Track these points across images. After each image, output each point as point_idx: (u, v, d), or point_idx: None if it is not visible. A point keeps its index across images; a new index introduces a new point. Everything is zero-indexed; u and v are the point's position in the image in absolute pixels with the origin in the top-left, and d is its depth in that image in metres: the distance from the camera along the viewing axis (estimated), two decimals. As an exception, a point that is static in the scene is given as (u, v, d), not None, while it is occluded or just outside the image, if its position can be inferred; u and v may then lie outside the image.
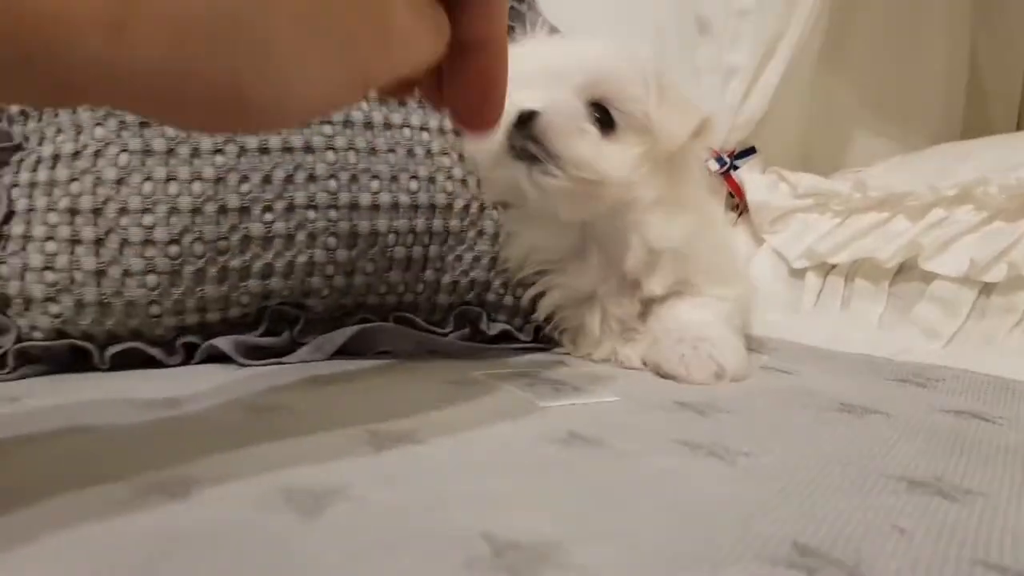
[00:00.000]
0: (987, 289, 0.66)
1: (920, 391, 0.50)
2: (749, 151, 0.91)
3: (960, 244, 0.69)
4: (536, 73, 0.52)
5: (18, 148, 0.52)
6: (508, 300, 0.63)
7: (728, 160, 0.90)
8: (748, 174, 0.91)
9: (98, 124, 0.52)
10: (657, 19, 0.96)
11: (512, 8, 0.78)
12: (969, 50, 1.24)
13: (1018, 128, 1.27)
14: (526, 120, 0.50)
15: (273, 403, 0.43)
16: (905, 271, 0.73)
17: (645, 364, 0.55)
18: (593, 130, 0.52)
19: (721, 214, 0.75)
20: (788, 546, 0.24)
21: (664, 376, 0.52)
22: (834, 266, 0.80)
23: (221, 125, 0.27)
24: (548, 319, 0.62)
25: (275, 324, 0.57)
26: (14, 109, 0.53)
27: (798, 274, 0.84)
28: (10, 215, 0.51)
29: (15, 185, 0.51)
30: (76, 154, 0.51)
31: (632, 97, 0.54)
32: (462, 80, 0.31)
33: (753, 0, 0.86)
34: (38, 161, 0.52)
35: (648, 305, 0.58)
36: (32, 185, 0.51)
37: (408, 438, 0.36)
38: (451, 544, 0.24)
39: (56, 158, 0.51)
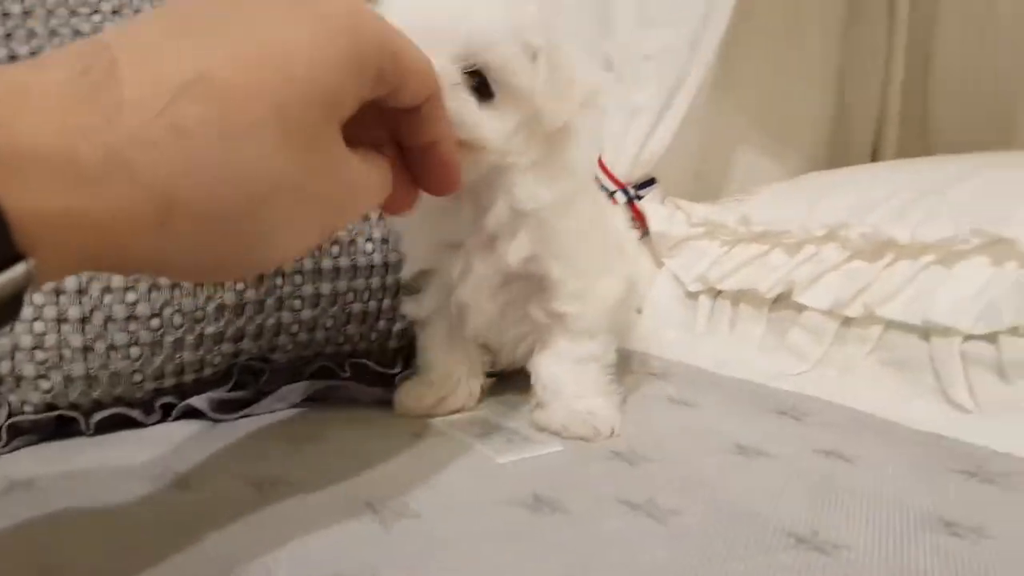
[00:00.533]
0: (847, 321, 0.79)
1: (796, 425, 0.62)
2: (650, 182, 1.01)
3: (826, 280, 0.82)
4: (415, 31, 0.43)
5: None
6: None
7: (632, 191, 1.00)
8: (649, 204, 1.01)
9: (76, 207, 0.55)
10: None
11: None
12: (836, 70, 1.40)
13: (876, 140, 1.44)
14: None
15: (269, 475, 0.49)
16: (781, 300, 0.86)
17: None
18: (471, 99, 0.50)
19: (603, 198, 0.76)
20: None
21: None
22: (721, 291, 0.93)
23: (224, 279, 0.36)
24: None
25: (242, 377, 0.63)
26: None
27: (693, 296, 0.96)
28: (-7, 295, 0.54)
29: (-5, 265, 0.54)
30: (56, 236, 0.55)
31: (513, 71, 0.51)
32: (429, 173, 0.41)
33: (656, 46, 0.95)
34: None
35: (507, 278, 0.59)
36: (13, 266, 0.54)
37: (406, 511, 0.43)
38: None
39: (35, 239, 0.55)
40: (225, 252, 0.31)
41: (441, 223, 0.57)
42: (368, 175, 0.36)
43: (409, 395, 0.62)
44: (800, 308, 0.83)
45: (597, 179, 0.98)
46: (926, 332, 0.72)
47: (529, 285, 0.59)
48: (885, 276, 0.78)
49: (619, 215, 0.79)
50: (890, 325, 0.75)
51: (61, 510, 0.43)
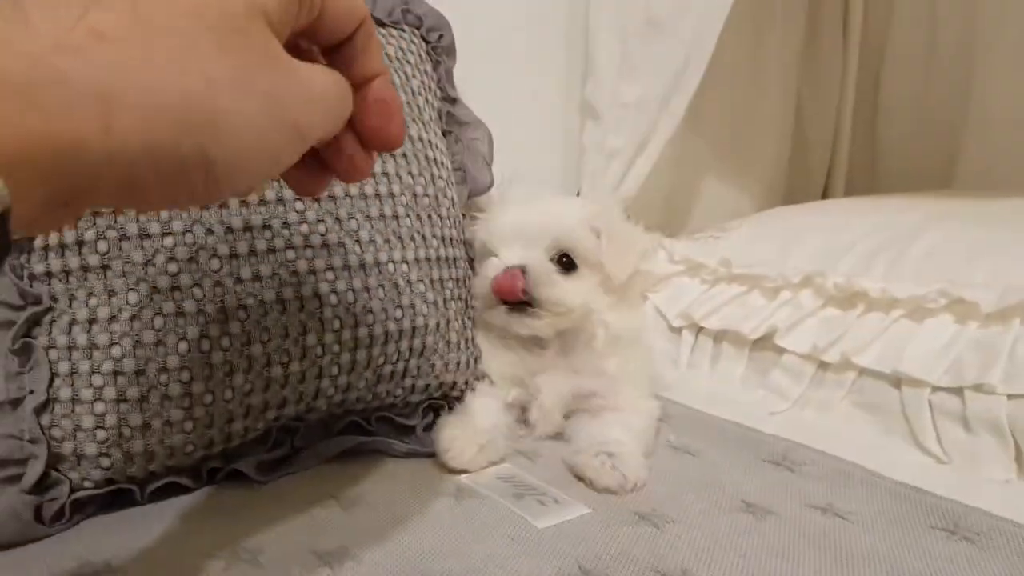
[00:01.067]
0: (823, 365, 0.87)
1: (792, 477, 0.68)
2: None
3: (805, 325, 0.89)
4: (515, 234, 0.75)
5: (48, 310, 0.57)
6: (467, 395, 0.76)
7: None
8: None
9: (131, 289, 0.57)
10: (549, 101, 1.10)
11: (448, 113, 0.88)
12: (794, 102, 1.48)
13: (831, 164, 1.53)
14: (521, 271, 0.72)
15: (333, 548, 0.53)
16: (761, 341, 0.93)
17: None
18: (559, 277, 0.73)
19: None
20: None
21: (579, 478, 0.66)
22: (703, 327, 0.99)
23: (196, 196, 0.32)
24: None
25: (279, 436, 0.66)
26: (38, 268, 0.57)
27: (676, 330, 1.02)
28: (52, 378, 0.56)
29: (51, 347, 0.56)
30: (112, 318, 0.57)
31: (586, 248, 0.74)
32: (367, 111, 0.39)
33: (634, 96, 1.01)
34: (72, 323, 0.57)
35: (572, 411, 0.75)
36: (71, 348, 0.56)
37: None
38: None
39: (92, 321, 0.57)
40: (181, 156, 0.30)
41: (527, 359, 0.76)
42: (324, 76, 0.36)
43: (454, 445, 0.67)
44: (780, 350, 0.91)
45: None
46: (897, 381, 0.80)
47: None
48: (859, 325, 0.85)
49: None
50: (864, 371, 0.83)
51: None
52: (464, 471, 0.66)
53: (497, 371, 0.78)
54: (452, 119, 0.88)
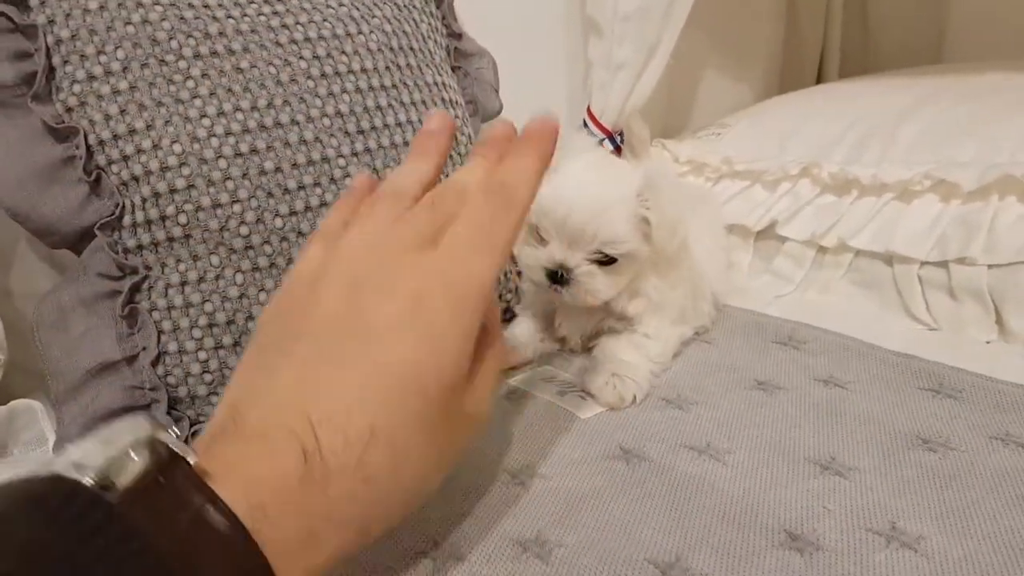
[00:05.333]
0: (822, 249, 0.95)
1: (797, 355, 0.78)
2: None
3: (804, 213, 0.97)
4: (561, 228, 0.70)
5: (145, 278, 0.66)
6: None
7: (618, 139, 1.12)
8: (637, 145, 1.14)
9: (212, 253, 0.66)
10: (549, 19, 1.14)
11: (456, 49, 0.93)
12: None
13: (824, 48, 1.56)
14: (559, 271, 0.71)
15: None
16: (765, 231, 1.01)
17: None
18: (599, 272, 0.71)
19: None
20: (781, 532, 0.50)
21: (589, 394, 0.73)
22: (711, 222, 1.07)
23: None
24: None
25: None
26: (130, 243, 0.65)
27: (685, 228, 1.10)
28: (159, 335, 0.65)
29: (153, 309, 0.65)
30: (200, 279, 0.66)
31: (624, 243, 0.70)
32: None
33: (634, 8, 1.05)
34: (167, 287, 0.65)
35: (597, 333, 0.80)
36: (170, 308, 0.65)
37: (535, 474, 0.59)
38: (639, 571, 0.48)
39: (183, 284, 0.65)
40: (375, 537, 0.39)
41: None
42: (484, 386, 0.44)
43: None
44: (782, 239, 0.99)
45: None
46: (889, 258, 0.88)
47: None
48: (853, 210, 0.93)
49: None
50: (859, 253, 0.92)
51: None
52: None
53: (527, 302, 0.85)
54: (459, 53, 0.94)
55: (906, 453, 0.58)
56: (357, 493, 0.35)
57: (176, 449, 0.31)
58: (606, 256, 0.70)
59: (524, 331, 0.82)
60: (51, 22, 0.64)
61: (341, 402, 0.36)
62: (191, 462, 0.31)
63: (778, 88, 1.47)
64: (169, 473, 0.30)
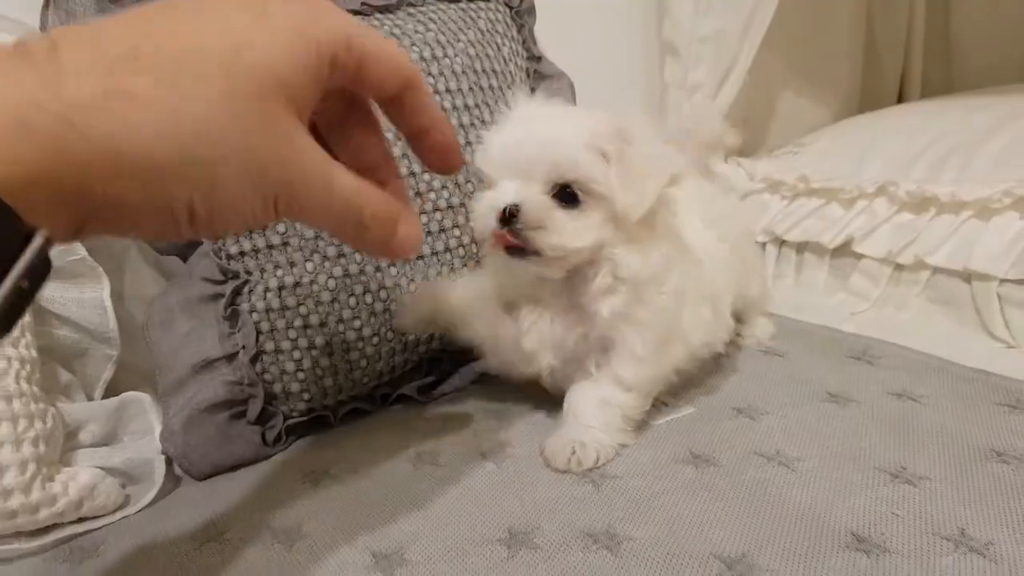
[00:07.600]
0: (899, 267, 0.95)
1: (870, 370, 0.78)
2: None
3: (880, 231, 0.97)
4: (509, 162, 0.61)
5: (245, 282, 0.71)
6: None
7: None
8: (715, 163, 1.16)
9: (307, 260, 0.71)
10: (626, 41, 1.18)
11: (535, 71, 0.97)
12: (866, 7, 1.49)
13: (904, 68, 1.54)
14: (509, 214, 0.60)
15: (495, 447, 0.67)
16: (840, 249, 1.01)
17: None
18: (560, 213, 0.61)
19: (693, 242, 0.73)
20: (848, 534, 0.51)
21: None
22: (785, 240, 1.08)
23: (182, 235, 0.36)
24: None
25: (429, 365, 0.81)
26: (233, 249, 0.71)
27: (761, 245, 1.11)
28: (257, 335, 0.70)
29: (253, 311, 0.71)
30: (296, 284, 0.71)
31: (592, 179, 0.60)
32: (427, 155, 0.45)
33: (711, 29, 1.07)
34: (266, 290, 0.71)
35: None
36: (268, 311, 0.70)
37: (607, 472, 0.61)
38: (701, 564, 0.50)
39: (281, 288, 0.71)
40: (171, 208, 0.34)
41: (527, 281, 0.66)
42: (340, 177, 0.38)
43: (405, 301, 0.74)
44: (858, 256, 0.99)
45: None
46: (967, 276, 0.88)
47: (592, 345, 0.66)
48: (930, 228, 0.93)
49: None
50: (937, 270, 0.91)
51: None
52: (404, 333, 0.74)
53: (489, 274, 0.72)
54: (537, 76, 0.98)
55: (979, 465, 0.58)
56: (104, 105, 0.31)
57: None
58: (567, 192, 0.61)
59: (472, 289, 0.71)
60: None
61: (110, 33, 0.33)
62: None
63: (857, 111, 1.46)
64: None
